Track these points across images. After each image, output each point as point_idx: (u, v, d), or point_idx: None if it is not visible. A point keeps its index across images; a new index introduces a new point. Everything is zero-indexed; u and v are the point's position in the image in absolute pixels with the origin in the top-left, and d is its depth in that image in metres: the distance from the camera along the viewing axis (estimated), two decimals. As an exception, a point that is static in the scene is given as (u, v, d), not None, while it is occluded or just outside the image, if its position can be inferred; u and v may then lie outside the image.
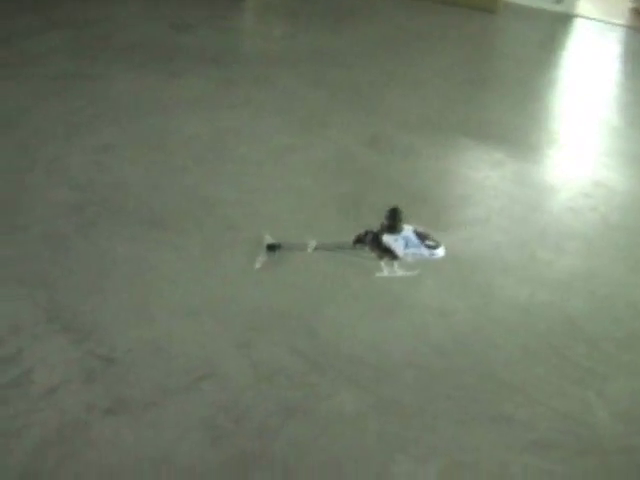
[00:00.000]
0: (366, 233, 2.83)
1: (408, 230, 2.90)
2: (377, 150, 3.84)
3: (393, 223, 2.89)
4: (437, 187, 3.60)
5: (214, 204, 3.28)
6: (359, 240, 2.77)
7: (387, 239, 2.85)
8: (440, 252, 2.82)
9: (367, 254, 3.03)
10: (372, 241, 2.91)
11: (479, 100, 4.64)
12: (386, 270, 2.84)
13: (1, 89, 4.18)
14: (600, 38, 6.33)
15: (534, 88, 4.99)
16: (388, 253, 2.96)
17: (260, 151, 3.76)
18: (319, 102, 4.33)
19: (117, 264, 2.81)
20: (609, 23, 6.70)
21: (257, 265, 2.80)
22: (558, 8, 6.58)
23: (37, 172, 3.39)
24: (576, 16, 6.60)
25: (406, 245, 2.81)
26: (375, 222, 3.00)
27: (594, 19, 6.70)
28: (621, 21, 6.79)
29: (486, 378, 2.43)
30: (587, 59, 5.79)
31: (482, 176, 3.72)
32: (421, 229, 2.82)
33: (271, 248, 2.91)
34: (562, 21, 6.48)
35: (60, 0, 5.74)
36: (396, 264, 3.02)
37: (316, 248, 2.83)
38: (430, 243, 2.77)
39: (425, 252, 2.77)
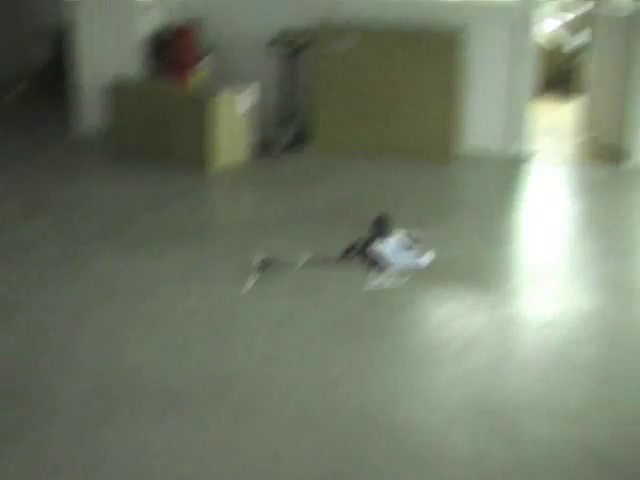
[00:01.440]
0: (353, 246, 2.75)
1: (397, 235, 2.81)
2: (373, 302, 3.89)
3: (379, 232, 2.81)
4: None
5: (231, 377, 3.28)
6: (347, 252, 2.70)
7: (377, 248, 2.76)
8: (425, 260, 2.74)
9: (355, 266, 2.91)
10: (361, 252, 2.81)
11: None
12: (376, 281, 2.78)
13: None
14: (553, 176, 6.62)
15: (496, 232, 5.20)
16: (376, 264, 2.87)
17: (264, 319, 3.79)
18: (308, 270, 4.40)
19: (150, 452, 2.78)
20: (559, 161, 6.96)
21: (248, 286, 2.70)
22: (509, 153, 6.79)
23: (49, 360, 3.36)
24: (528, 158, 6.81)
25: (396, 252, 2.77)
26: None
27: (545, 159, 6.93)
28: (571, 157, 7.07)
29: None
30: (544, 197, 6.06)
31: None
32: (413, 234, 2.74)
33: (262, 267, 2.80)
34: (514, 164, 6.68)
35: (38, 183, 5.82)
36: (385, 274, 2.91)
37: (305, 264, 2.75)
38: (417, 250, 2.71)
39: (411, 261, 2.70)
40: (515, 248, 5.05)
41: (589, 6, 8.97)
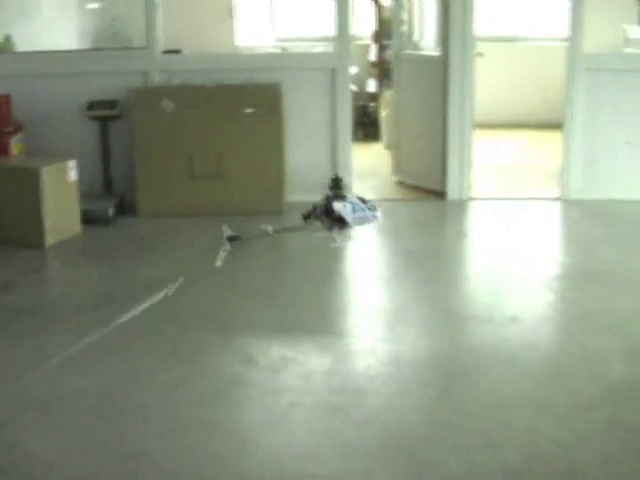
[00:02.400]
0: (314, 208, 2.77)
1: (352, 197, 2.87)
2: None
3: (338, 190, 2.83)
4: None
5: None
6: (309, 215, 2.70)
7: (337, 206, 2.79)
8: (379, 213, 2.80)
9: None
10: (324, 212, 2.83)
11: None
12: (338, 239, 2.81)
13: None
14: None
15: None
16: (338, 222, 2.90)
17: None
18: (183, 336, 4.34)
19: None
20: (381, 199, 7.18)
21: (218, 262, 2.66)
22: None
23: None
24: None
25: (353, 210, 2.82)
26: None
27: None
28: (390, 195, 7.34)
29: None
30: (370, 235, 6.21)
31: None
32: (360, 196, 2.81)
33: (231, 239, 2.75)
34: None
35: None
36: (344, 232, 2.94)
37: (274, 232, 2.71)
38: (370, 206, 2.77)
39: (369, 214, 2.75)
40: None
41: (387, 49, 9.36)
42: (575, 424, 3.39)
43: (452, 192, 7.11)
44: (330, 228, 2.94)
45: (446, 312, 4.67)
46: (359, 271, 5.50)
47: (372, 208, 2.85)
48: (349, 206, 2.87)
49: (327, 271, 5.39)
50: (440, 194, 7.18)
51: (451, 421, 3.41)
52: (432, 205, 7.03)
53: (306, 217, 2.70)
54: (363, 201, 2.92)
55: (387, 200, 7.21)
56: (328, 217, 2.92)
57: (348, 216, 2.87)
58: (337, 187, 2.94)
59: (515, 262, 5.48)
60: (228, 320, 4.51)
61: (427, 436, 3.30)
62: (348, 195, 2.99)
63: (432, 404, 3.57)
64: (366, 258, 5.84)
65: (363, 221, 2.72)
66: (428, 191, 7.30)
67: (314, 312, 4.67)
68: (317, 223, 2.99)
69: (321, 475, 3.01)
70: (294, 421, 3.41)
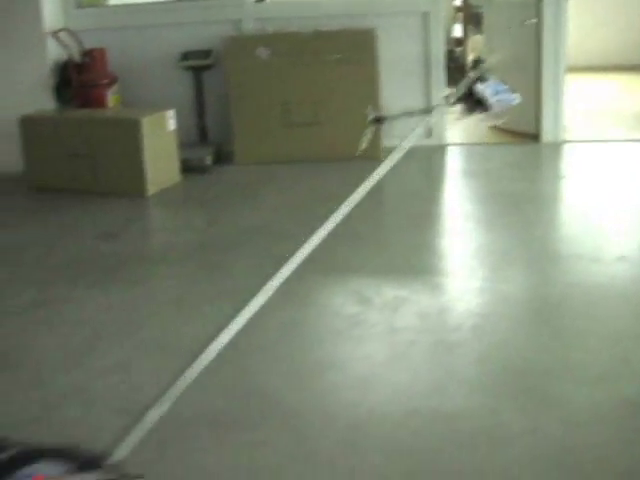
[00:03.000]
0: (458, 90, 2.76)
1: (493, 80, 2.85)
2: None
3: (478, 71, 2.82)
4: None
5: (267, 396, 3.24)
6: (456, 97, 2.68)
7: (479, 88, 2.77)
8: (517, 98, 2.81)
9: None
10: (465, 94, 2.81)
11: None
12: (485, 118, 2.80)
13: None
14: (470, 158, 6.93)
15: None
16: (479, 106, 2.88)
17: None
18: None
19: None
20: (474, 144, 7.20)
21: (362, 145, 2.68)
22: (430, 142, 6.94)
23: (65, 404, 3.21)
24: (447, 145, 7.01)
25: (496, 92, 2.80)
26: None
27: (461, 144, 7.17)
28: (483, 139, 7.31)
29: None
30: (459, 179, 6.46)
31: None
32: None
33: (376, 121, 2.77)
34: (437, 151, 6.87)
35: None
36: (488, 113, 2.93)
37: (411, 114, 2.75)
38: (511, 88, 2.76)
39: (511, 97, 2.73)
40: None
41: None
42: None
43: (546, 135, 7.03)
44: (471, 111, 2.87)
45: (552, 253, 4.66)
46: (459, 213, 5.51)
47: (513, 90, 2.79)
48: (492, 89, 2.79)
49: (427, 213, 5.43)
50: (534, 137, 7.11)
51: (569, 357, 3.42)
52: (526, 148, 6.97)
53: (446, 99, 2.67)
54: (504, 83, 2.85)
55: (481, 144, 7.20)
56: (469, 100, 2.86)
57: (490, 98, 2.80)
58: (477, 68, 2.87)
59: (616, 203, 5.42)
60: (336, 262, 4.54)
61: (547, 372, 3.31)
62: (490, 77, 2.92)
63: (549, 341, 3.57)
64: (465, 200, 5.85)
65: (505, 103, 2.67)
66: (521, 134, 7.23)
67: (420, 254, 4.70)
68: (459, 104, 2.90)
69: (448, 411, 3.05)
70: (415, 359, 3.45)
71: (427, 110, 2.89)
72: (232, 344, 3.63)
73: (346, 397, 3.19)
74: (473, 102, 2.90)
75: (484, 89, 2.73)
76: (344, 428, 2.96)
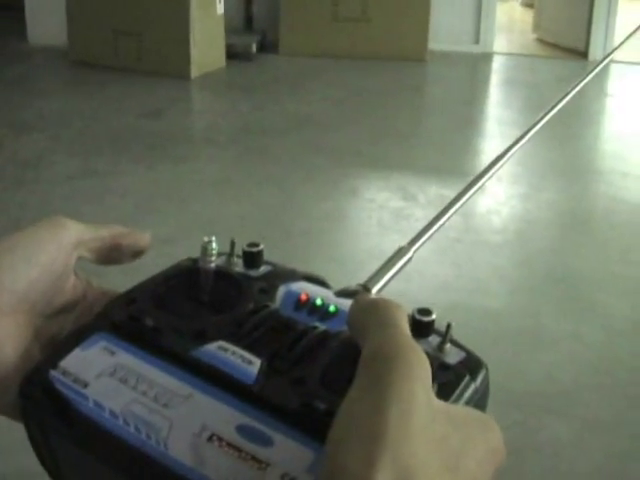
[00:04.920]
0: None
1: None
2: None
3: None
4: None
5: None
6: None
7: None
8: None
9: None
10: None
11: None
12: None
13: (14, 203, 3.90)
14: (516, 69, 6.81)
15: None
16: None
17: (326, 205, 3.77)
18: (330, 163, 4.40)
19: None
20: (520, 55, 7.13)
21: None
22: (477, 49, 6.87)
23: (112, 273, 3.23)
24: (493, 53, 6.94)
25: None
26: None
27: (508, 53, 7.10)
28: (529, 52, 7.23)
29: None
30: (504, 88, 6.40)
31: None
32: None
33: None
34: (483, 59, 6.80)
35: (10, 100, 5.52)
36: None
37: None
38: None
39: None
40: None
41: None
42: None
43: (595, 52, 6.94)
44: None
45: (597, 167, 4.65)
46: (504, 120, 5.48)
47: None
48: None
49: (471, 118, 5.41)
50: (581, 53, 7.02)
51: (612, 269, 3.43)
52: (573, 64, 6.88)
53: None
54: None
55: (527, 55, 7.12)
56: None
57: None
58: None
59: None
60: (382, 158, 4.54)
61: (591, 280, 3.33)
62: None
63: (594, 251, 3.58)
64: (510, 109, 5.81)
65: None
66: (568, 50, 7.14)
67: (466, 155, 4.70)
68: None
69: (490, 307, 3.08)
70: (459, 256, 3.47)
71: None
72: (278, 226, 3.69)
73: (389, 287, 3.21)
74: None
75: None
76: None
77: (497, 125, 5.48)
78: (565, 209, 4.07)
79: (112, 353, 0.51)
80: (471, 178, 0.72)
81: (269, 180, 4.18)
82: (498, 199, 4.09)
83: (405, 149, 4.73)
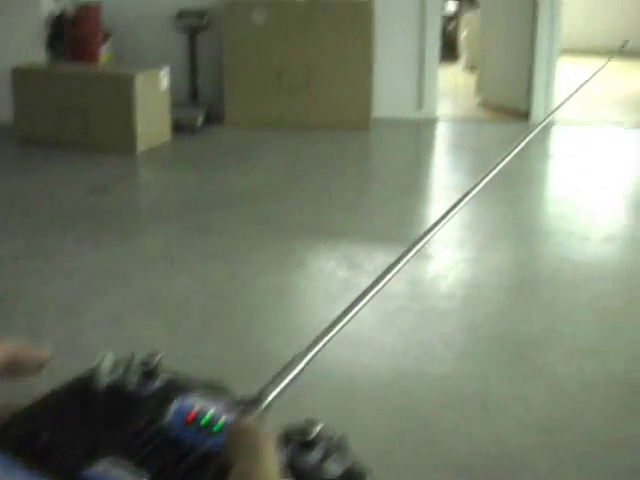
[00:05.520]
0: None
1: None
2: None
3: None
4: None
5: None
6: None
7: None
8: None
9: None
10: None
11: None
12: None
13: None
14: (459, 133, 7.00)
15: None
16: None
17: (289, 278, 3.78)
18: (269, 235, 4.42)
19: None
20: (464, 118, 7.26)
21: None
22: (420, 115, 6.97)
23: (59, 355, 3.18)
24: (437, 118, 7.05)
25: None
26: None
27: (452, 118, 7.23)
28: (473, 115, 7.37)
29: None
30: (449, 152, 6.59)
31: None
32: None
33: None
34: (427, 125, 6.90)
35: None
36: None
37: None
38: None
39: None
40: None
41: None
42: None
43: (537, 113, 7.06)
44: None
45: (542, 228, 4.72)
46: (449, 185, 5.55)
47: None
48: None
49: (416, 183, 5.48)
50: (524, 115, 7.15)
51: (559, 330, 3.46)
52: (516, 125, 7.00)
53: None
54: None
55: (471, 119, 7.24)
56: None
57: None
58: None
59: (603, 184, 5.48)
60: (327, 227, 4.57)
61: (536, 343, 3.36)
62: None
63: (540, 313, 3.62)
64: (455, 173, 5.89)
65: None
66: (511, 111, 7.27)
67: (411, 222, 4.74)
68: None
69: (437, 374, 3.09)
70: (405, 324, 3.48)
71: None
72: (223, 302, 3.69)
73: (339, 356, 3.22)
74: None
75: None
76: (336, 386, 2.99)
77: (443, 189, 5.55)
78: (512, 271, 4.11)
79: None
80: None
81: (215, 254, 4.19)
82: (445, 264, 4.12)
83: (351, 217, 4.76)
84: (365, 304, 0.65)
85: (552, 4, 6.86)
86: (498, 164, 0.99)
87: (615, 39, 10.54)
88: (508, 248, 4.40)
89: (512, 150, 1.02)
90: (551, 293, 3.84)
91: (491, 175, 0.90)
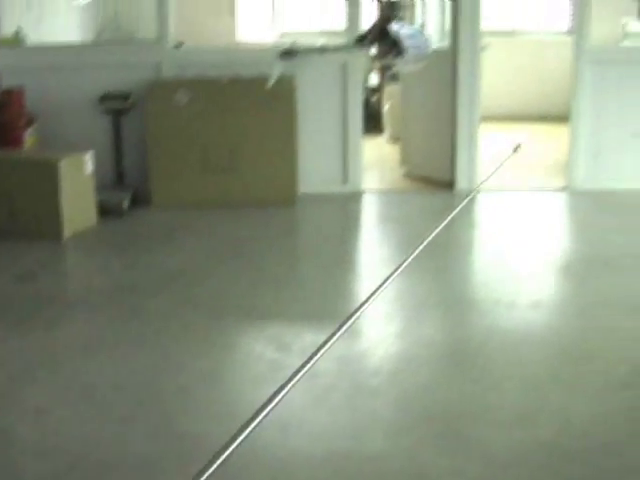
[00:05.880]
0: (369, 30, 2.54)
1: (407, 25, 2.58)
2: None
3: (395, 12, 2.60)
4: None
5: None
6: (363, 38, 2.49)
7: (395, 28, 2.49)
8: (432, 45, 2.57)
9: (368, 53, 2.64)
10: (379, 34, 2.59)
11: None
12: (399, 65, 2.60)
13: None
14: (386, 205, 7.13)
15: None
16: (394, 47, 2.69)
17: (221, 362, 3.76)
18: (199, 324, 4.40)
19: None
20: (389, 190, 7.36)
21: (272, 81, 2.51)
22: (346, 188, 7.05)
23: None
24: (363, 191, 7.12)
25: (411, 36, 2.59)
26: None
27: (377, 190, 7.32)
28: (398, 187, 7.47)
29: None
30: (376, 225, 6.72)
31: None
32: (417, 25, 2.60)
33: (286, 55, 2.60)
34: (353, 198, 6.97)
35: None
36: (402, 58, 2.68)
37: (324, 51, 2.53)
38: (424, 37, 2.55)
39: (426, 43, 2.49)
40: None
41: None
42: (606, 402, 3.47)
43: (461, 183, 7.18)
44: (386, 53, 2.66)
45: (469, 298, 4.77)
46: (375, 259, 5.60)
47: (427, 39, 2.57)
48: (406, 29, 2.54)
49: (344, 258, 5.51)
50: (448, 185, 7.26)
51: (487, 400, 3.49)
52: (441, 196, 7.10)
53: (360, 40, 2.44)
54: (419, 30, 2.61)
55: (396, 191, 7.34)
56: (383, 41, 2.62)
57: (406, 41, 2.54)
58: (395, 9, 2.59)
59: (529, 250, 5.58)
60: (255, 307, 4.57)
61: (466, 414, 3.38)
62: (404, 22, 2.66)
63: (467, 385, 3.64)
64: (382, 246, 5.94)
65: (419, 50, 2.43)
66: (436, 182, 7.38)
67: (338, 299, 4.75)
68: (371, 46, 2.63)
69: (368, 453, 3.08)
70: (334, 403, 3.48)
71: (341, 48, 2.69)
72: (154, 388, 3.65)
73: (270, 439, 3.20)
74: (388, 43, 2.74)
75: (399, 30, 2.60)
76: (266, 470, 2.97)
77: (370, 263, 5.59)
78: (441, 342, 4.15)
79: None
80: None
81: (143, 340, 4.16)
82: (374, 339, 4.15)
83: (279, 296, 4.77)
84: (293, 385, 0.65)
85: (471, 74, 7.01)
86: (425, 239, 1.01)
87: (534, 106, 10.88)
88: (436, 319, 4.44)
89: (439, 226, 1.04)
90: (480, 362, 3.87)
91: (419, 250, 0.92)
